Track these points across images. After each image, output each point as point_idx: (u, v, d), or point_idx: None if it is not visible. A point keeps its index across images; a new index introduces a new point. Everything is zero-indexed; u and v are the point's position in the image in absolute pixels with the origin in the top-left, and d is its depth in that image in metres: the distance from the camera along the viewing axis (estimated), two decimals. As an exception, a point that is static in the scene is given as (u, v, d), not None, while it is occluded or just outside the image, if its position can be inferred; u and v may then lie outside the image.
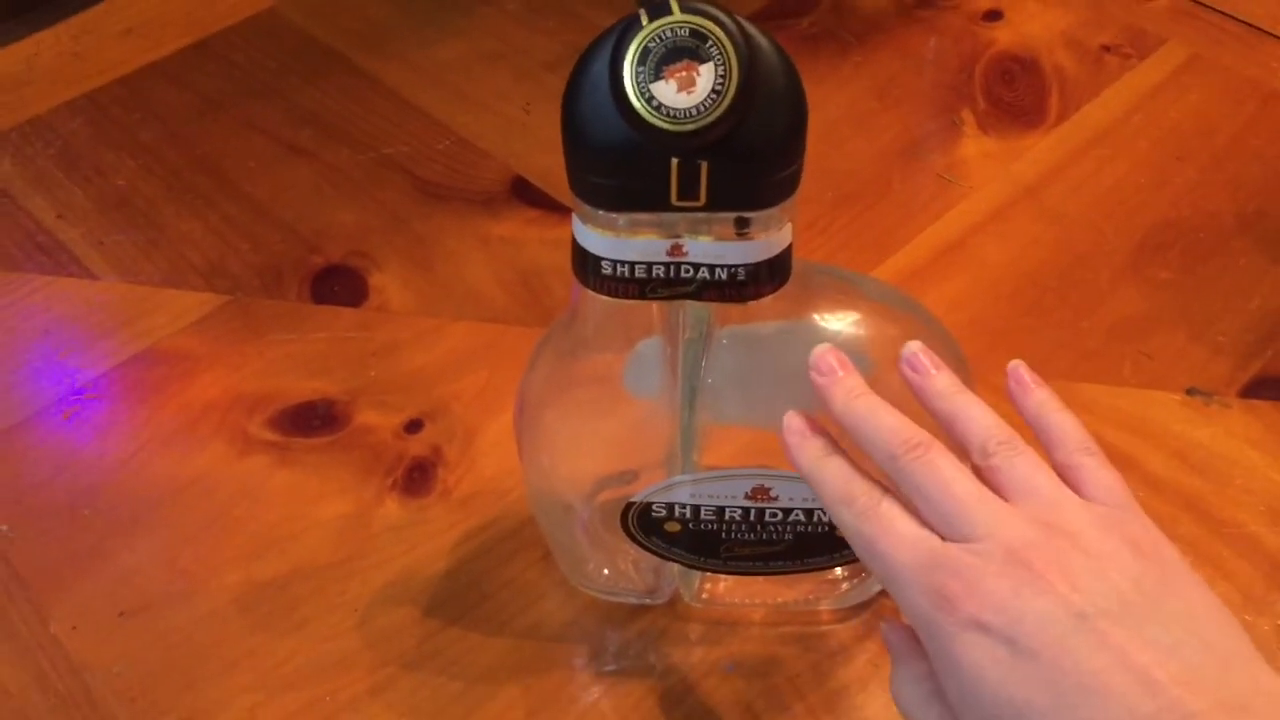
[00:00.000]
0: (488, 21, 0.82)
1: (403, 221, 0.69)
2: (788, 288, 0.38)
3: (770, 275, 0.37)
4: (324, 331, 0.63)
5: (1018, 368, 0.40)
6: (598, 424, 0.45)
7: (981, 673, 0.32)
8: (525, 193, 0.70)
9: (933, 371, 0.39)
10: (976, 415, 0.38)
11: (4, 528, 0.55)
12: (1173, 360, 0.60)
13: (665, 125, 0.33)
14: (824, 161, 0.70)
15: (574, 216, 0.37)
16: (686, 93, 0.33)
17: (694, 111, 0.33)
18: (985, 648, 0.32)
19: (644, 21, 0.33)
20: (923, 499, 0.35)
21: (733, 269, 0.37)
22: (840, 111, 0.73)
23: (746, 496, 0.43)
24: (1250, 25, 0.78)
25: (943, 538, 0.35)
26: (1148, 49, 0.77)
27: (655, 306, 0.39)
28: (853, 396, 0.38)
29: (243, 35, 0.81)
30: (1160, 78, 0.75)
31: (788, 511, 0.44)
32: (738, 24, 0.33)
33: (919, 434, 0.36)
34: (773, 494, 0.43)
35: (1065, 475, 0.37)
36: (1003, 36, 0.79)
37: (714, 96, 0.33)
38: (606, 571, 0.51)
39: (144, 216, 0.69)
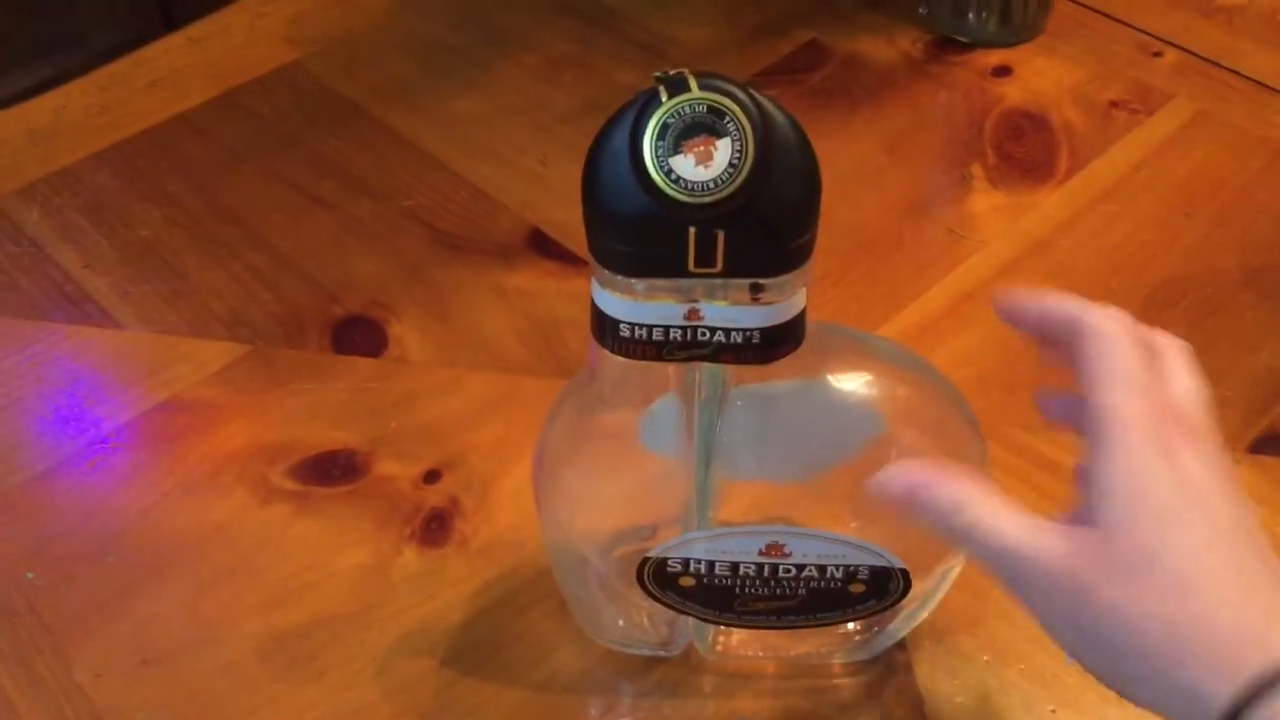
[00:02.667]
0: (506, 76, 0.83)
1: (421, 272, 0.70)
2: (802, 349, 0.39)
3: (785, 338, 0.38)
4: (344, 381, 0.64)
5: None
6: (615, 480, 0.46)
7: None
8: (542, 245, 0.71)
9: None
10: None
11: (31, 575, 0.56)
12: (1181, 415, 0.61)
13: (683, 198, 0.34)
14: (836, 215, 0.71)
15: (593, 280, 0.38)
16: (704, 166, 0.34)
17: (711, 185, 0.34)
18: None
19: (663, 98, 0.34)
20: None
21: (748, 332, 0.38)
22: (851, 166, 0.75)
23: (761, 553, 0.44)
24: (1257, 82, 0.79)
25: None
26: (1155, 105, 0.78)
27: (672, 366, 0.40)
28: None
29: (267, 88, 0.83)
30: (1167, 133, 0.76)
31: (801, 567, 0.44)
32: (754, 99, 0.34)
33: None
34: (787, 550, 0.44)
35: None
36: (1012, 92, 0.80)
37: (731, 170, 0.34)
38: (621, 623, 0.51)
39: (169, 266, 0.71)
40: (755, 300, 0.37)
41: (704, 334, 0.38)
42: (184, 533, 0.58)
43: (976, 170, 0.75)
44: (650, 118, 0.34)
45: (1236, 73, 0.80)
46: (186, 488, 0.60)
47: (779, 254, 0.36)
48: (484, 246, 0.72)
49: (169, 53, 0.86)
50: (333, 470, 0.60)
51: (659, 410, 0.43)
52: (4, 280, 0.70)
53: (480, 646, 0.53)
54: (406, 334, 0.67)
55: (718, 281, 0.37)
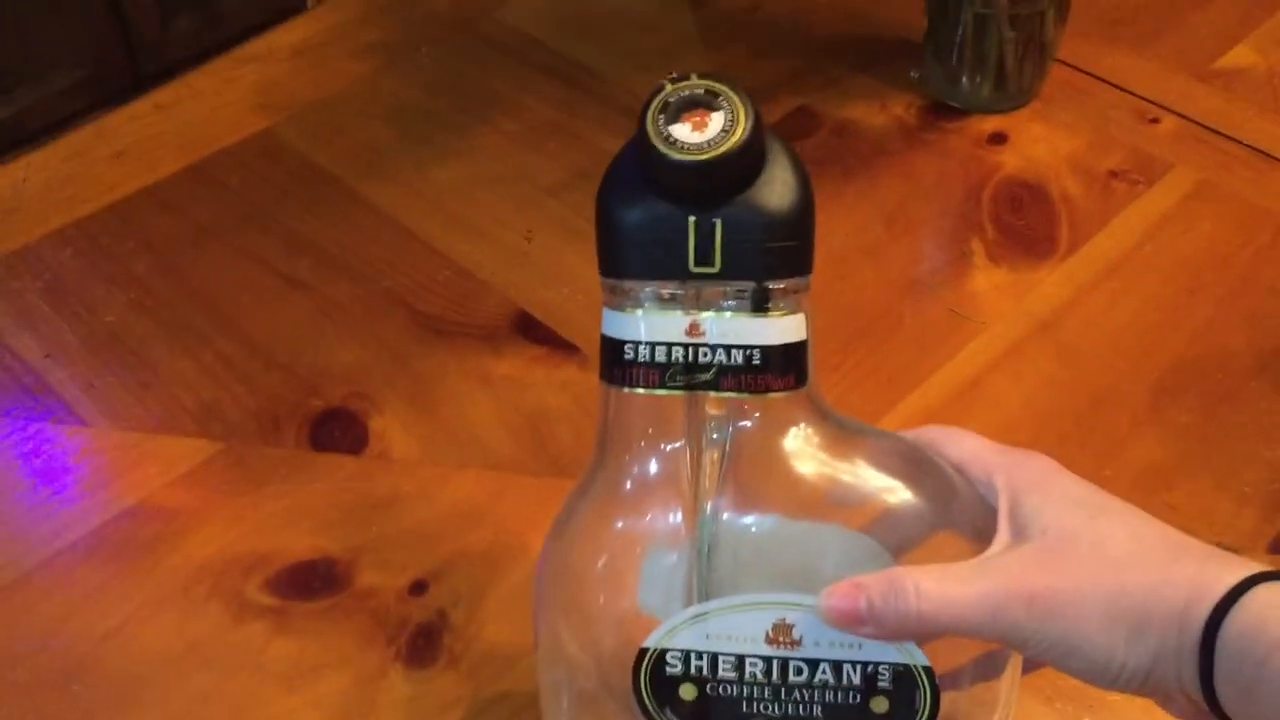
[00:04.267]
0: (486, 142, 0.81)
1: (403, 360, 0.67)
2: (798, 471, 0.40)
3: (785, 365, 0.39)
4: (323, 482, 0.61)
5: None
6: (626, 593, 0.43)
7: None
8: (528, 328, 0.69)
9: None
10: None
11: (-12, 707, 0.53)
12: (1198, 513, 0.59)
13: (680, 157, 0.37)
14: (833, 295, 0.69)
15: (603, 311, 0.40)
16: (699, 131, 0.37)
17: (705, 145, 0.37)
18: None
19: (667, 86, 0.38)
20: None
21: (748, 351, 0.39)
22: (847, 240, 0.72)
23: (767, 640, 0.41)
24: (1258, 150, 0.77)
25: None
26: (1155, 175, 0.76)
27: (681, 416, 0.40)
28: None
29: (237, 158, 0.79)
30: (1169, 205, 0.74)
31: (814, 665, 0.41)
32: (748, 92, 0.38)
33: None
34: (795, 634, 0.41)
35: None
36: (1009, 160, 0.78)
37: (723, 134, 0.37)
38: None
39: (135, 356, 0.67)
40: (755, 311, 0.39)
41: (705, 354, 0.39)
42: (155, 655, 0.54)
43: (976, 246, 0.73)
44: (655, 100, 0.38)
45: (1237, 140, 0.78)
46: (156, 604, 0.56)
47: (774, 255, 0.38)
48: (468, 330, 0.69)
49: (135, 120, 0.82)
50: (312, 582, 0.57)
51: (653, 568, 0.41)
52: (-40, 372, 0.67)
53: (473, 779, 0.50)
54: (389, 428, 0.64)
55: (717, 287, 0.39)
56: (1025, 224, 0.74)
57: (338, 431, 0.64)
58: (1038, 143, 0.79)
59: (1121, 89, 0.82)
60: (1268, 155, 0.77)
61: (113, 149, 0.80)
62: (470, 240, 0.74)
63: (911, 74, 0.83)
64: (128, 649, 0.55)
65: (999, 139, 0.80)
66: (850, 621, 0.39)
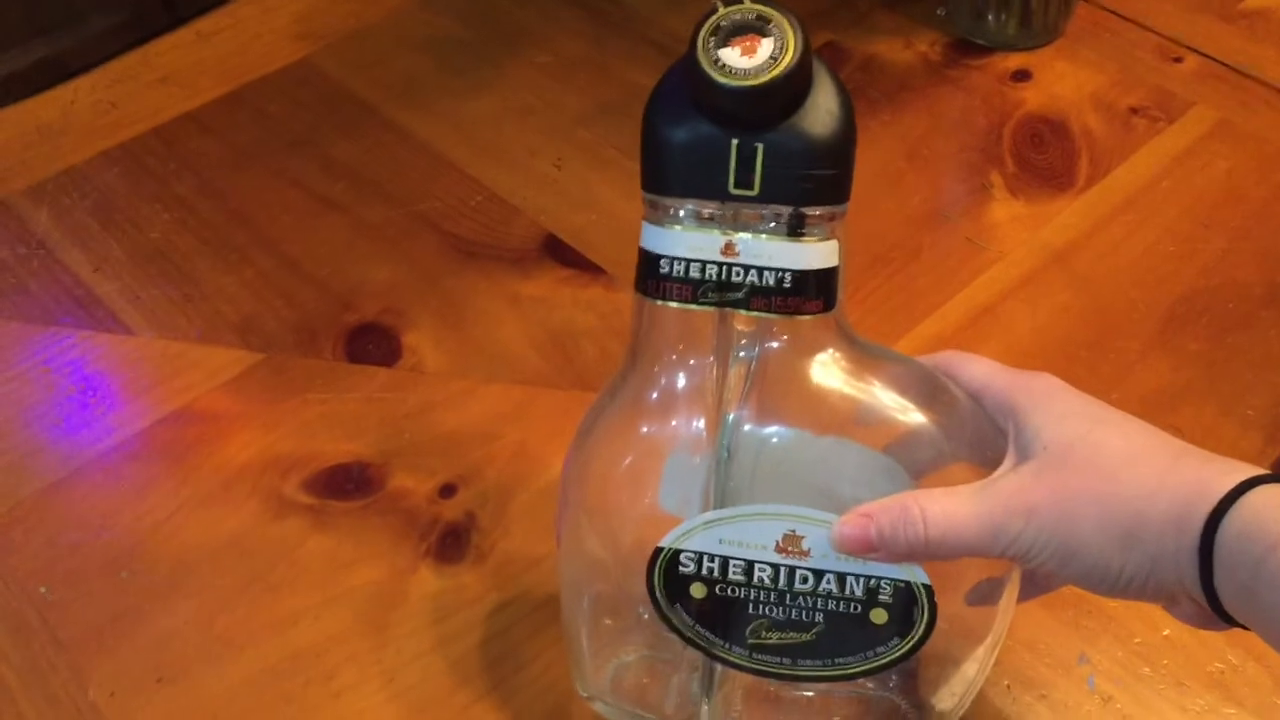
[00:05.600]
0: (519, 75, 0.82)
1: (435, 279, 0.70)
2: (830, 358, 0.41)
3: (816, 289, 0.40)
4: (358, 392, 0.64)
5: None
6: (647, 493, 0.45)
7: None
8: (557, 251, 0.71)
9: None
10: None
11: (43, 590, 0.56)
12: (1203, 435, 0.60)
13: (728, 81, 0.37)
14: (854, 223, 0.70)
15: (643, 224, 0.41)
16: (748, 57, 0.38)
17: (753, 71, 0.37)
18: None
19: (719, 8, 0.38)
20: None
21: (780, 274, 0.40)
22: (870, 171, 0.74)
23: (777, 549, 0.43)
24: (1279, 90, 0.78)
25: None
26: (1176, 112, 0.77)
27: (711, 331, 0.42)
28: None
29: (276, 86, 0.82)
30: (1189, 142, 0.75)
31: (819, 575, 0.43)
32: (799, 19, 0.38)
33: None
34: (804, 545, 0.43)
35: None
36: (1031, 97, 0.79)
37: (771, 61, 0.37)
38: (614, 675, 0.50)
39: (179, 271, 0.70)
40: (791, 235, 0.39)
41: (738, 273, 0.40)
42: (198, 547, 0.57)
43: (996, 179, 0.74)
44: (705, 23, 0.38)
45: (1259, 80, 0.79)
46: (200, 500, 0.59)
47: (813, 181, 0.39)
48: (499, 253, 0.71)
49: (177, 48, 0.85)
50: (347, 484, 0.60)
51: (674, 468, 0.43)
52: (14, 283, 0.69)
53: (498, 665, 0.53)
54: (421, 343, 0.66)
55: (754, 209, 0.39)
56: (1045, 159, 0.75)
57: (371, 345, 0.66)
58: (1061, 80, 0.80)
59: (1146, 28, 0.83)
60: (1289, 94, 0.78)
61: (157, 75, 0.83)
62: (501, 167, 0.76)
63: (939, 11, 0.84)
64: (172, 541, 0.58)
65: (1023, 76, 0.81)
66: (862, 549, 0.41)
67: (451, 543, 0.57)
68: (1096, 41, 0.82)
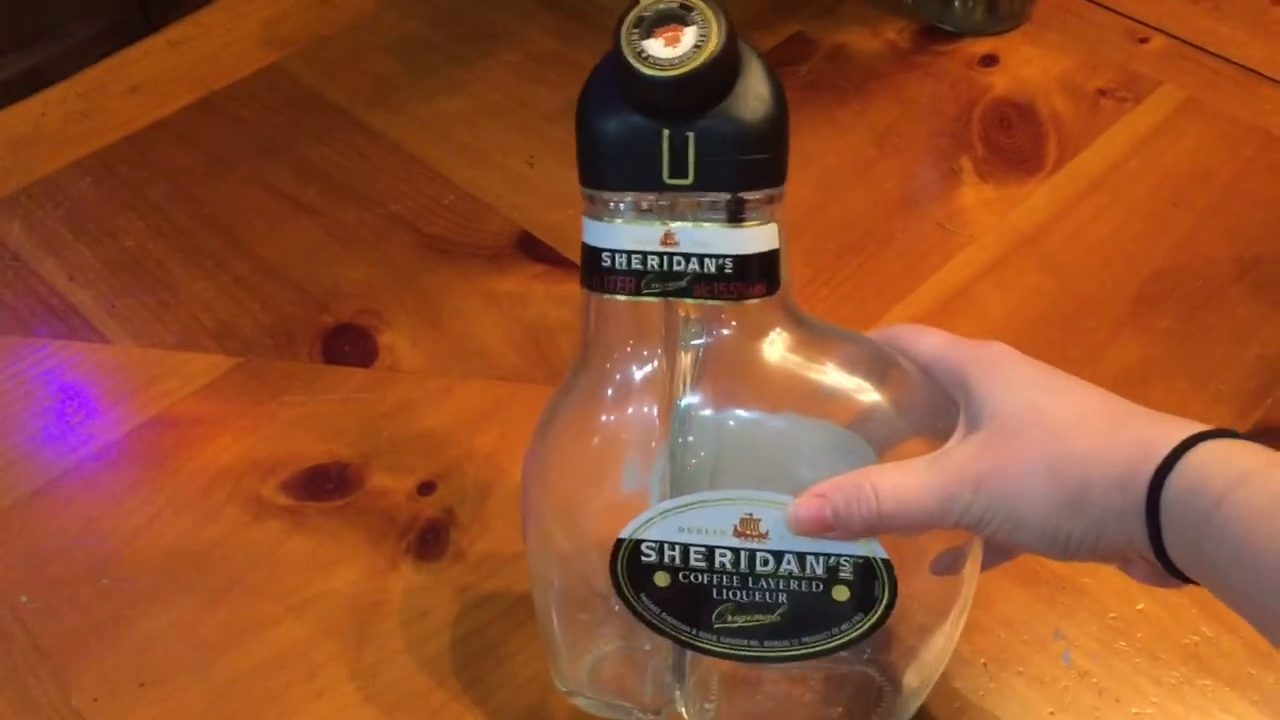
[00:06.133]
0: (489, 74, 0.83)
1: (410, 278, 0.70)
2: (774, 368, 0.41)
3: (758, 273, 0.40)
4: (335, 393, 0.64)
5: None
6: (605, 485, 0.45)
7: None
8: (530, 248, 0.71)
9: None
10: None
11: (24, 598, 0.56)
12: (1174, 411, 0.59)
13: (652, 72, 0.37)
14: (825, 212, 0.71)
15: (584, 220, 0.41)
16: (671, 47, 0.38)
17: (676, 60, 0.37)
18: None
19: (642, 0, 0.39)
20: None
21: (721, 260, 0.40)
22: (840, 160, 0.74)
23: (735, 533, 0.43)
24: (1246, 68, 0.79)
25: None
26: (1143, 93, 0.78)
27: (658, 321, 0.42)
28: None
29: (248, 91, 0.82)
30: (1156, 122, 0.76)
31: (779, 556, 0.43)
32: (724, 7, 0.38)
33: None
34: (762, 528, 0.43)
35: None
36: (999, 82, 0.80)
37: (695, 50, 0.37)
38: (591, 668, 0.50)
39: (154, 278, 0.70)
40: (729, 222, 0.40)
41: (679, 262, 0.40)
42: (178, 552, 0.57)
43: (965, 163, 0.75)
44: (629, 15, 0.38)
45: (1225, 59, 0.79)
46: (179, 505, 0.59)
47: (747, 167, 0.39)
48: (473, 251, 0.71)
49: (148, 56, 0.85)
50: (325, 484, 0.60)
51: (632, 463, 0.43)
52: (-12, 295, 0.70)
53: (479, 661, 0.53)
54: (397, 342, 0.66)
55: (691, 198, 0.39)
56: (1014, 142, 0.76)
57: (348, 346, 0.66)
58: (1028, 64, 0.81)
59: (1112, 10, 0.83)
60: (1255, 72, 0.78)
61: (127, 84, 0.83)
62: (474, 166, 0.76)
63: (905, -1, 0.85)
64: (153, 546, 0.58)
65: (990, 61, 0.81)
66: (818, 529, 0.41)
67: (431, 540, 0.58)
68: (1063, 25, 0.83)
